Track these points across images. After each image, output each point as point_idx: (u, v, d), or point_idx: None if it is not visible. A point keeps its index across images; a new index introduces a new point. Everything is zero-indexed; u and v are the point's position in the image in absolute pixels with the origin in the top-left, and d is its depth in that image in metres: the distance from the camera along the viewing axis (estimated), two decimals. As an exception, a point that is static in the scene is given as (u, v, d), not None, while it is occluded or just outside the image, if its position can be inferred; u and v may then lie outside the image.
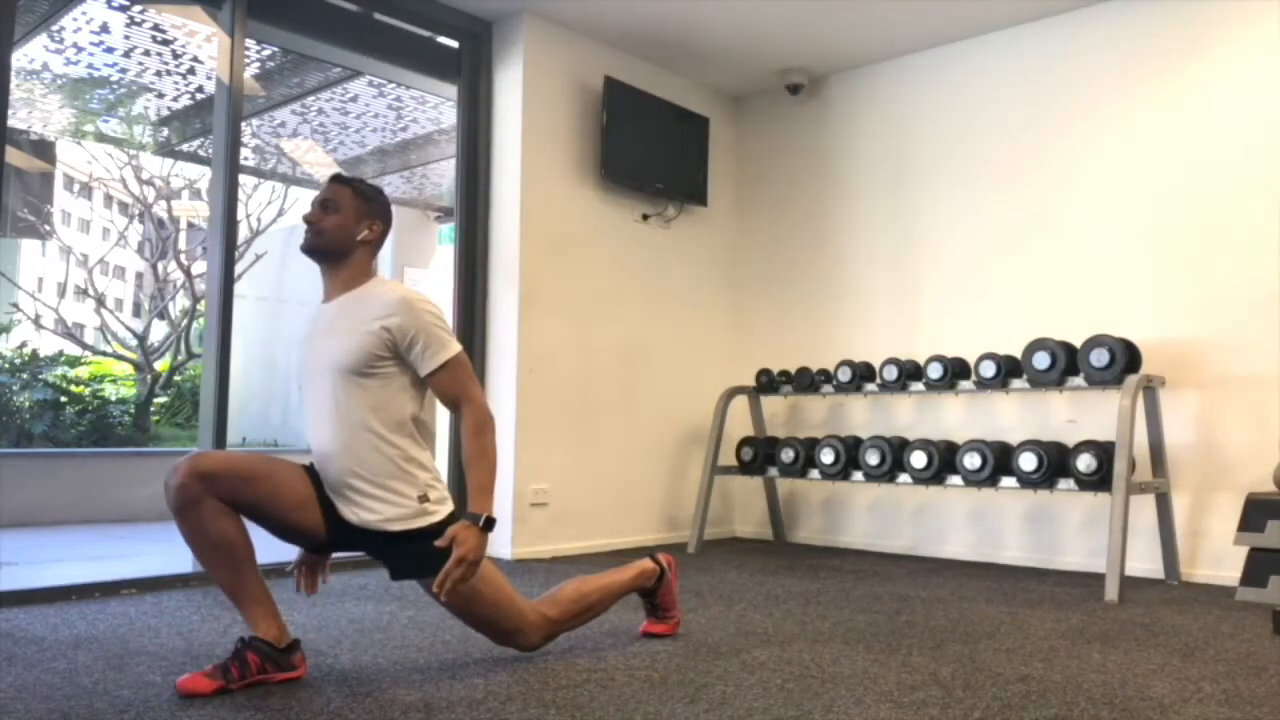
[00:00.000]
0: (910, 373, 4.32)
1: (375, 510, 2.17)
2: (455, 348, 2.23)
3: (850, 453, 4.29)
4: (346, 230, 2.28)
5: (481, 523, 2.13)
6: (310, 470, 2.24)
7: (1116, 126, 4.14)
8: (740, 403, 4.94)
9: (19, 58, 4.70)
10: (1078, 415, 4.11)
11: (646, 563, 2.64)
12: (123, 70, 5.04)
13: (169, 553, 4.22)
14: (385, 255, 7.15)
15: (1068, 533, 4.14)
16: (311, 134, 6.05)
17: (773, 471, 4.61)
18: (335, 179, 2.35)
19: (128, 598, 3.15)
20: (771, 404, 5.07)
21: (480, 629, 2.32)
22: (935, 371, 4.20)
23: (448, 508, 2.25)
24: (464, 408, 2.22)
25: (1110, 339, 3.71)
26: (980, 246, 4.49)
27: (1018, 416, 4.29)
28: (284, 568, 2.49)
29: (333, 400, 2.19)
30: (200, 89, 5.23)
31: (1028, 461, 3.75)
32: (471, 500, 2.16)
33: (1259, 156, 3.76)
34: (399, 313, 2.17)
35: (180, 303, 9.74)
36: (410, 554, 2.19)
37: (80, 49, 4.73)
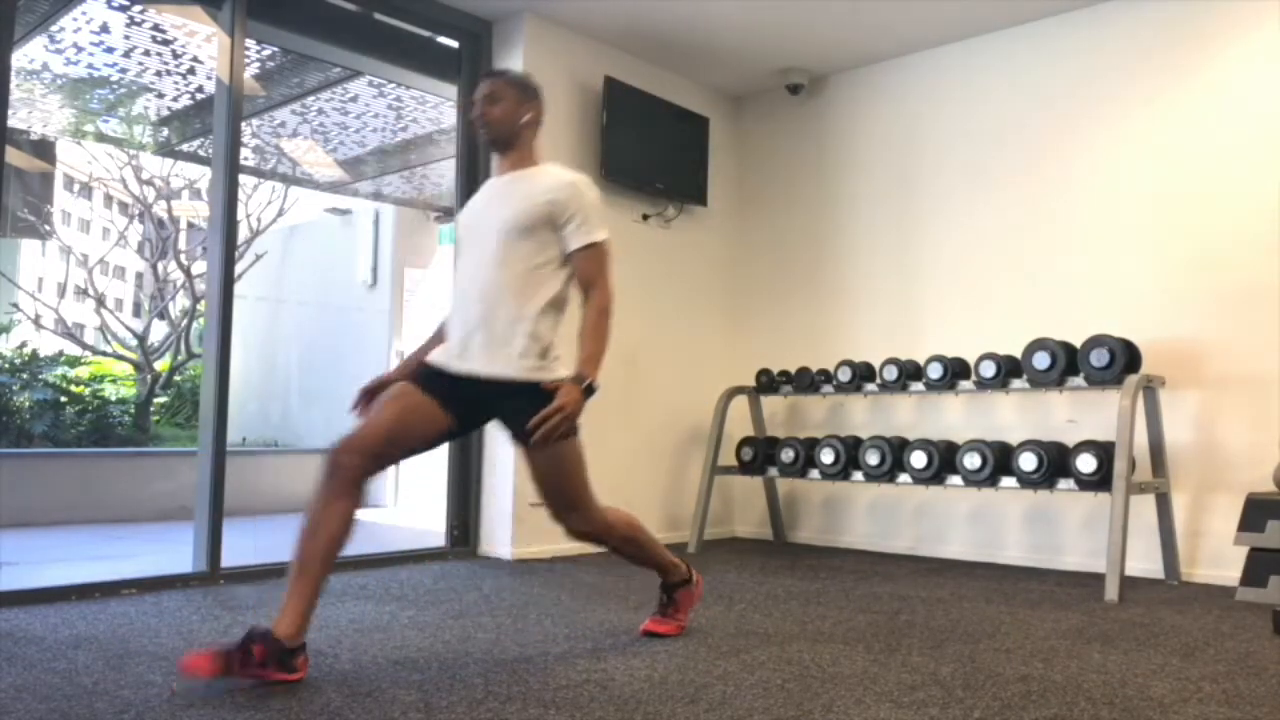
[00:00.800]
0: (910, 373, 4.31)
1: (499, 361, 2.37)
2: (603, 234, 2.47)
3: (850, 453, 4.29)
4: (511, 116, 2.57)
5: (585, 385, 2.35)
6: (421, 377, 2.42)
7: (1116, 126, 4.14)
8: (740, 403, 4.93)
9: (19, 58, 4.70)
10: (1078, 415, 4.11)
11: (680, 568, 2.75)
12: (123, 70, 5.04)
13: (169, 553, 4.22)
14: (385, 255, 7.15)
15: (1068, 533, 4.14)
16: (311, 134, 6.04)
17: (773, 471, 4.61)
18: (489, 74, 2.66)
19: (128, 598, 3.15)
20: (771, 404, 5.07)
21: (548, 496, 2.46)
22: (935, 371, 4.20)
23: (563, 372, 2.41)
24: (595, 289, 2.46)
25: (1110, 339, 3.71)
26: (980, 246, 4.49)
27: (1018, 416, 4.29)
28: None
29: (492, 259, 2.43)
30: (200, 89, 5.23)
31: (1028, 461, 3.75)
32: (579, 365, 2.39)
33: (1259, 156, 3.76)
34: (564, 190, 2.45)
35: (180, 303, 9.74)
36: (523, 406, 2.33)
37: (80, 49, 4.73)
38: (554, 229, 2.45)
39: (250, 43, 4.31)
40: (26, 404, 7.16)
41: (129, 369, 8.99)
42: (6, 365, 7.66)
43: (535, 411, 2.30)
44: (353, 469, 2.25)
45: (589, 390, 2.36)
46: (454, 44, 4.50)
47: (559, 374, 2.40)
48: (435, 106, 5.41)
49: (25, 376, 7.39)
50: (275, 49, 4.66)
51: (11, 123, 3.75)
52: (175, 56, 4.81)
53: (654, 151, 4.80)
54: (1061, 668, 2.37)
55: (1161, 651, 2.57)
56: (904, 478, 4.14)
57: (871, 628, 2.83)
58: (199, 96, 5.34)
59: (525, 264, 2.42)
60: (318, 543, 2.24)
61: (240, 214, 7.33)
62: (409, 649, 2.48)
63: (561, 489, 2.46)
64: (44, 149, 7.27)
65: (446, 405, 2.38)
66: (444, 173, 6.48)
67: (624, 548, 2.63)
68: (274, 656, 2.11)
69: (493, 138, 2.59)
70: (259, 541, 4.80)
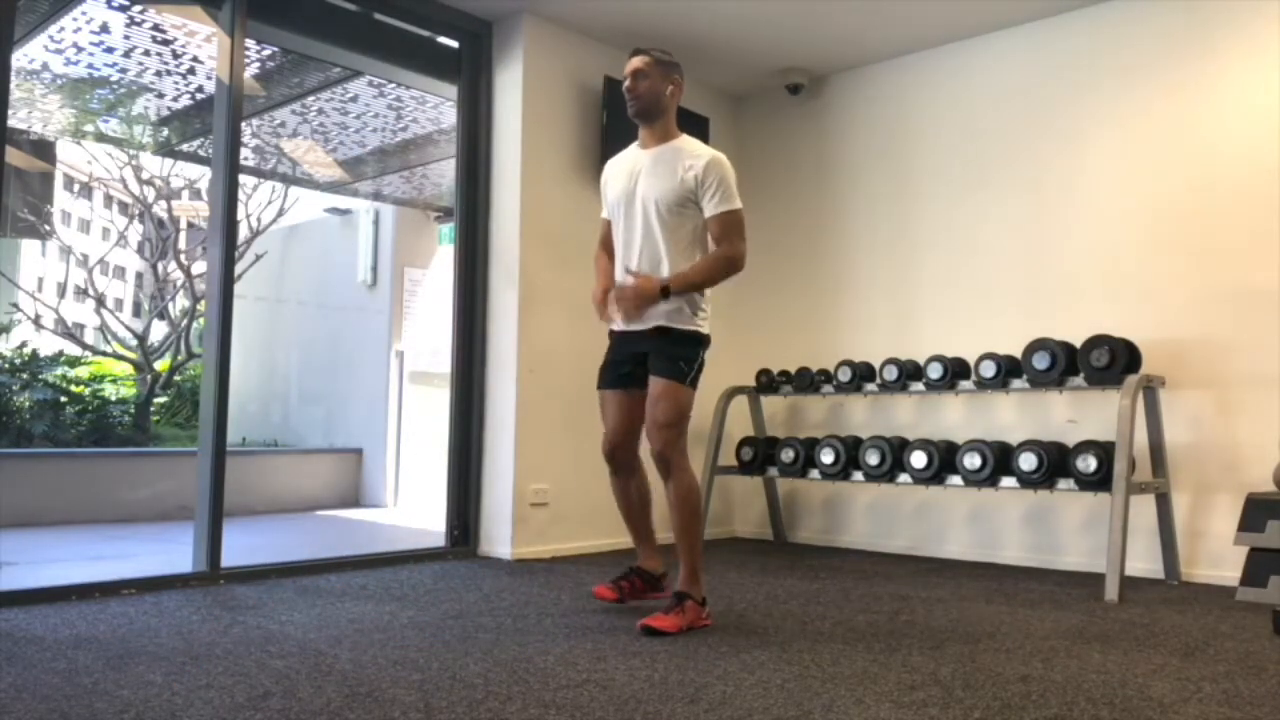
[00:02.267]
0: (910, 373, 4.32)
1: (659, 315, 2.83)
2: (736, 204, 2.83)
3: (850, 453, 4.29)
4: (656, 91, 2.88)
5: (663, 284, 2.77)
6: (609, 381, 3.01)
7: (1117, 126, 4.14)
8: (740, 403, 4.93)
9: (19, 58, 4.70)
10: (1078, 415, 4.11)
11: (699, 589, 2.85)
12: (123, 70, 5.04)
13: (169, 553, 4.22)
14: (385, 255, 7.15)
15: (1068, 533, 4.14)
16: (311, 134, 6.04)
17: (773, 471, 4.61)
18: (637, 52, 2.93)
19: (128, 598, 3.15)
20: (771, 404, 5.07)
21: (653, 414, 2.83)
22: (935, 371, 4.20)
23: (707, 327, 2.90)
24: (725, 244, 2.83)
25: (1110, 339, 3.71)
26: (980, 246, 4.49)
27: (1018, 416, 4.29)
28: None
29: (646, 226, 2.86)
30: (200, 89, 5.23)
31: (1028, 461, 3.75)
32: (672, 276, 2.79)
33: (1259, 156, 3.76)
34: (704, 163, 2.81)
35: (180, 303, 9.73)
36: (669, 346, 2.83)
37: (80, 49, 4.72)
38: (696, 199, 2.82)
39: (250, 43, 4.30)
40: (26, 404, 7.16)
41: (129, 369, 8.98)
42: (6, 365, 7.65)
43: (679, 348, 2.84)
44: (620, 460, 3.03)
45: (665, 290, 2.76)
46: (454, 44, 4.50)
47: (705, 328, 2.89)
48: (435, 106, 5.40)
49: (25, 376, 7.38)
50: (275, 49, 4.65)
51: (11, 123, 3.75)
52: (175, 56, 4.80)
53: (654, 151, 4.79)
54: (1061, 668, 2.37)
55: (1161, 651, 2.57)
56: (904, 478, 4.14)
57: (871, 628, 2.83)
58: (199, 96, 5.33)
59: (677, 231, 2.83)
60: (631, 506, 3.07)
61: (240, 214, 7.32)
62: (409, 649, 2.48)
63: (667, 409, 2.82)
64: (44, 149, 7.26)
65: (628, 383, 2.95)
66: (444, 173, 6.48)
67: (692, 508, 2.85)
68: (648, 583, 3.04)
69: (639, 110, 2.89)
70: (259, 541, 4.80)
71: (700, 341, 2.89)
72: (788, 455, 4.47)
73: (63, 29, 4.47)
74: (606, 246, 3.08)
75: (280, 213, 8.42)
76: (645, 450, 2.96)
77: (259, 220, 8.42)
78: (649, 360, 2.87)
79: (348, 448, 7.04)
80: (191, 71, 4.99)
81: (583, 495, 4.47)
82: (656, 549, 3.11)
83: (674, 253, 2.83)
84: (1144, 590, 3.57)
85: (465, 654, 2.43)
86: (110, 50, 4.76)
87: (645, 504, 3.08)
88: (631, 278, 2.84)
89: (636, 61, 2.90)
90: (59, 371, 7.67)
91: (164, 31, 4.53)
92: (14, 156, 6.74)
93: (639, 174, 2.91)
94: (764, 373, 4.85)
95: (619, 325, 2.95)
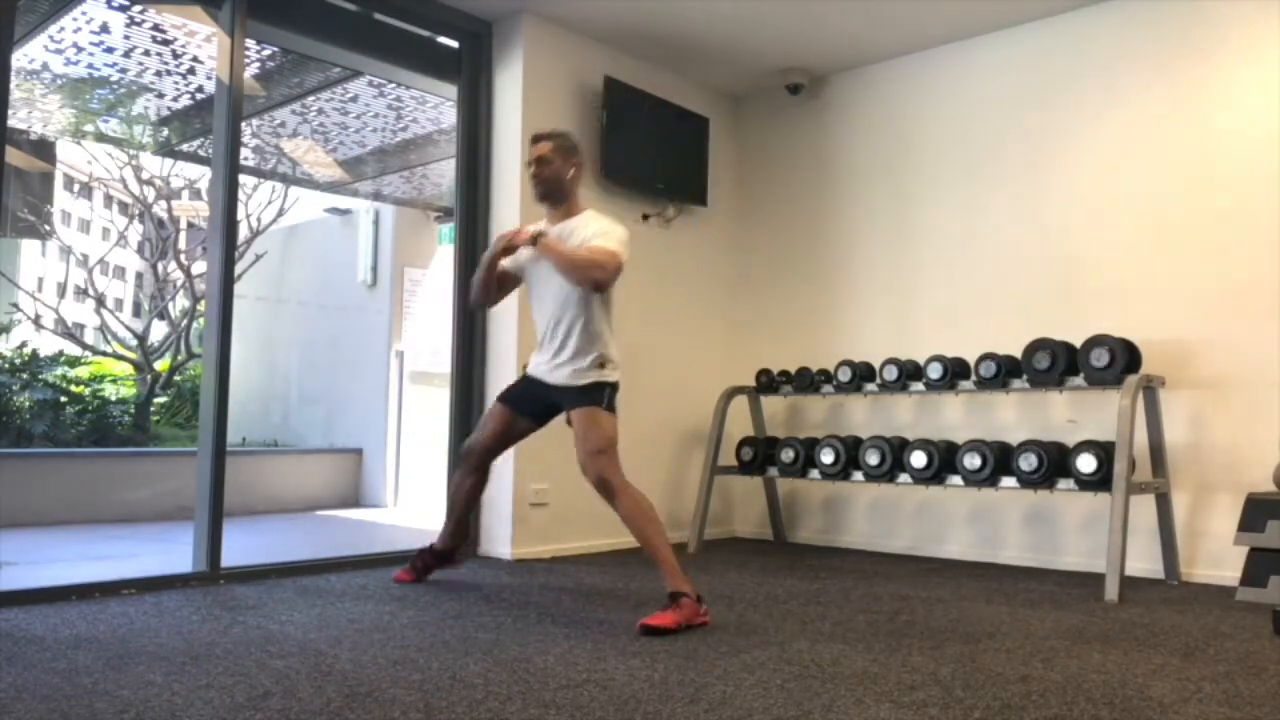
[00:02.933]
0: (910, 373, 4.31)
1: (567, 375, 3.07)
2: (616, 248, 2.97)
3: (850, 453, 4.29)
4: (560, 175, 3.11)
5: (536, 234, 3.02)
6: (509, 400, 3.30)
7: (1117, 126, 4.14)
8: (740, 403, 4.93)
9: (19, 58, 4.70)
10: (1078, 415, 4.11)
11: (689, 585, 2.86)
12: (123, 70, 5.03)
13: (169, 553, 4.22)
14: (385, 255, 7.15)
15: (1068, 533, 4.14)
16: (311, 134, 6.04)
17: (773, 471, 4.61)
18: (539, 138, 3.14)
19: (128, 598, 3.15)
20: (771, 404, 5.07)
21: (584, 446, 2.99)
22: (935, 371, 4.20)
23: (615, 376, 3.09)
24: (600, 253, 2.97)
25: (1110, 339, 3.71)
26: (980, 246, 4.49)
27: (1018, 416, 4.29)
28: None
29: (556, 295, 3.07)
30: (200, 89, 5.22)
31: (1028, 461, 3.75)
32: (547, 235, 3.03)
33: (1259, 156, 3.76)
34: (596, 227, 3.03)
35: (180, 303, 9.73)
36: (575, 396, 3.06)
37: (80, 49, 4.72)
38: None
39: (250, 43, 4.30)
40: (26, 404, 7.16)
41: (129, 369, 8.98)
42: (6, 365, 7.65)
43: (583, 397, 3.03)
44: (477, 463, 3.38)
45: (535, 239, 3.01)
46: (454, 44, 4.50)
47: (611, 378, 3.08)
48: (435, 106, 5.40)
49: (25, 376, 7.38)
50: (275, 49, 4.65)
51: (11, 123, 3.75)
52: (175, 56, 4.80)
53: (654, 151, 4.80)
54: (1061, 668, 2.37)
55: (1161, 651, 2.57)
56: (904, 478, 4.14)
57: (871, 628, 2.83)
58: (199, 96, 5.33)
59: (586, 297, 3.03)
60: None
61: (240, 214, 7.32)
62: (409, 649, 2.48)
63: (594, 435, 2.99)
64: (44, 149, 7.25)
65: (521, 409, 3.27)
66: (444, 173, 6.47)
67: (641, 520, 2.94)
68: (437, 558, 3.56)
69: (544, 193, 3.14)
70: (259, 541, 4.80)
71: (607, 388, 3.08)
72: (788, 455, 4.47)
73: (63, 29, 4.47)
74: (503, 279, 3.29)
75: (280, 213, 8.41)
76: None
77: (259, 220, 8.41)
78: (562, 405, 3.12)
79: (348, 448, 7.04)
80: (191, 71, 4.99)
81: (583, 495, 4.44)
82: (462, 532, 3.52)
83: (586, 316, 3.05)
84: (1144, 590, 3.57)
85: (465, 654, 2.43)
86: (110, 50, 4.76)
87: (471, 502, 3.45)
88: (531, 241, 3.06)
89: (541, 148, 3.12)
90: (59, 371, 7.67)
91: (164, 31, 4.53)
92: (14, 156, 6.73)
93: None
94: (764, 373, 4.85)
95: (534, 370, 3.20)
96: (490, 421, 3.33)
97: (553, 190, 3.13)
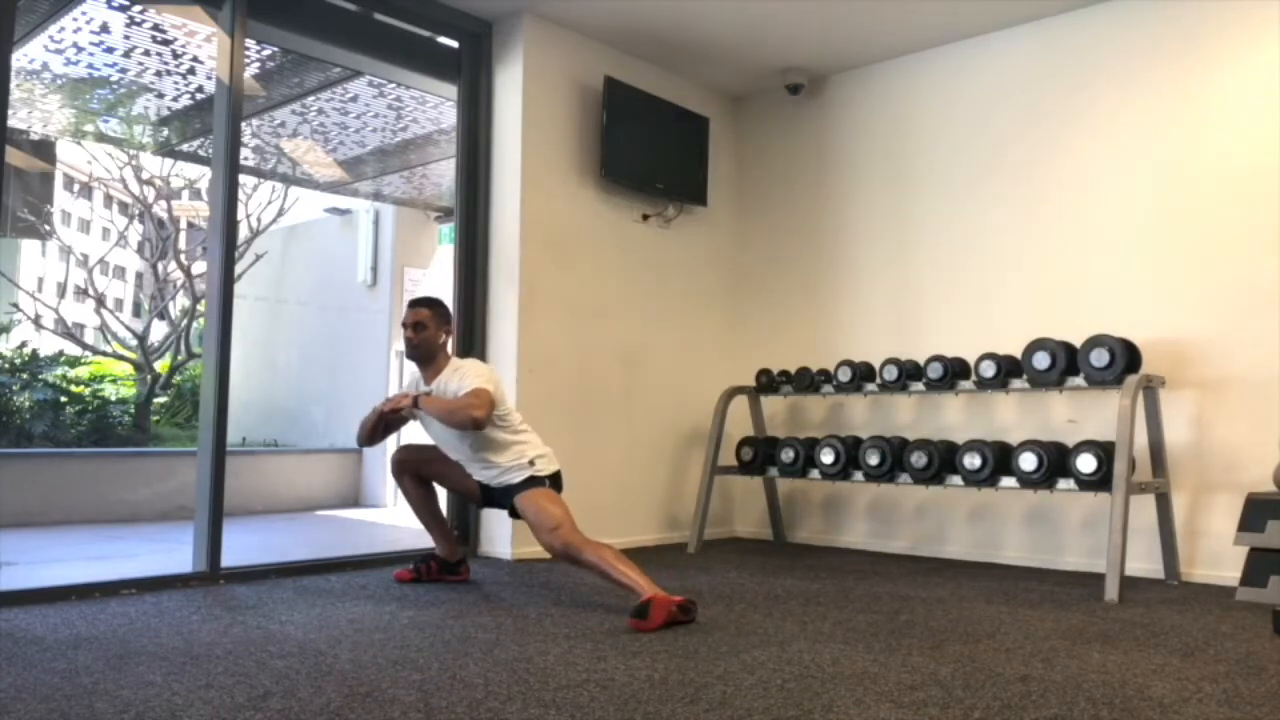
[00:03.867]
0: (910, 373, 4.31)
1: (496, 475, 3.34)
2: (482, 384, 3.22)
3: (850, 453, 4.29)
4: (433, 339, 3.42)
5: (415, 399, 3.30)
6: None
7: (1116, 126, 4.14)
8: (740, 403, 4.93)
9: (19, 58, 4.70)
10: (1078, 415, 4.11)
11: (651, 586, 2.90)
12: (123, 70, 5.03)
13: (169, 553, 4.22)
14: (385, 255, 7.15)
15: (1068, 533, 4.14)
16: (311, 134, 6.04)
17: (773, 471, 4.61)
18: (416, 304, 3.44)
19: (128, 598, 3.15)
20: (771, 404, 5.07)
21: (538, 527, 3.17)
22: (935, 371, 4.19)
23: (547, 469, 3.32)
24: (469, 398, 3.22)
25: (1110, 339, 3.71)
26: (980, 246, 4.49)
27: (1018, 416, 4.29)
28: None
29: (448, 440, 3.38)
30: (200, 89, 5.22)
31: (1028, 461, 3.75)
32: (427, 396, 3.32)
33: (1259, 156, 3.76)
34: (462, 371, 3.34)
35: (180, 303, 9.72)
36: (510, 492, 3.29)
37: (80, 49, 4.72)
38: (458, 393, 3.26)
39: (250, 43, 4.30)
40: (26, 404, 7.16)
41: (129, 369, 8.98)
42: (6, 365, 7.65)
43: (515, 493, 3.28)
44: (407, 475, 3.58)
45: (417, 402, 3.28)
46: (454, 44, 4.50)
47: (535, 471, 3.29)
48: (435, 106, 5.40)
49: (25, 376, 7.38)
50: (275, 49, 4.65)
51: (11, 123, 3.75)
52: (175, 56, 4.80)
53: (654, 151, 4.80)
54: (1061, 668, 2.37)
55: (1161, 651, 2.57)
56: (904, 478, 4.14)
57: (871, 628, 2.83)
58: (199, 96, 5.33)
59: (473, 436, 3.27)
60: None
61: (240, 214, 7.32)
62: (409, 649, 2.48)
63: (541, 516, 3.18)
64: (44, 149, 7.25)
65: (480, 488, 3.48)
66: (444, 173, 6.48)
67: (601, 570, 3.07)
68: (445, 569, 3.62)
69: (419, 356, 3.41)
70: (259, 541, 4.80)
71: (544, 479, 3.30)
72: (788, 455, 4.47)
73: (63, 29, 4.47)
74: (388, 425, 3.55)
75: (280, 213, 8.41)
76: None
77: (259, 220, 8.41)
78: (503, 502, 3.36)
79: (348, 448, 7.04)
80: (191, 71, 4.99)
81: (582, 495, 4.45)
82: (448, 535, 3.63)
83: (479, 450, 3.30)
84: (1144, 590, 3.57)
85: (465, 654, 2.43)
86: (110, 50, 4.76)
87: (431, 494, 3.58)
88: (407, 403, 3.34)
89: (420, 313, 3.40)
90: (59, 371, 7.67)
91: (164, 31, 4.53)
92: (14, 156, 6.73)
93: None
94: (764, 373, 4.85)
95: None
96: (435, 449, 3.50)
97: (426, 354, 3.40)
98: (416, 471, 3.53)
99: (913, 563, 4.30)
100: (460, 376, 3.31)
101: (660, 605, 2.78)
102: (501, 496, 3.35)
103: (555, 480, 3.34)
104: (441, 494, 3.74)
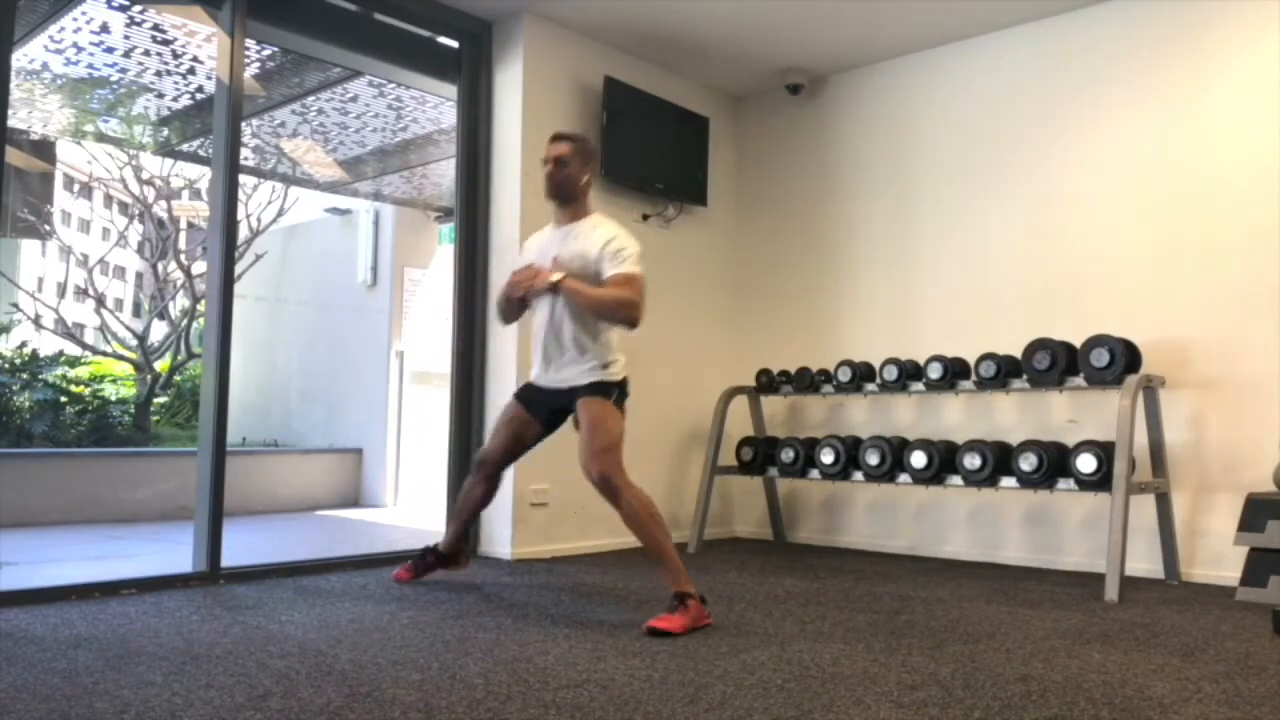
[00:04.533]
0: (910, 373, 4.31)
1: (573, 376, 3.08)
2: (634, 270, 2.98)
3: (850, 453, 4.29)
4: (576, 178, 3.12)
5: (556, 280, 2.99)
6: (523, 399, 3.27)
7: (1117, 126, 4.14)
8: (740, 403, 4.93)
9: (19, 58, 4.70)
10: (1078, 415, 4.11)
11: (693, 586, 2.86)
12: (123, 70, 5.03)
13: (169, 553, 4.22)
14: (385, 255, 7.15)
15: (1068, 533, 4.14)
16: (311, 134, 6.04)
17: (773, 471, 4.61)
18: (559, 138, 3.15)
19: (128, 598, 3.15)
20: (771, 404, 5.07)
21: (590, 443, 2.96)
22: (935, 371, 4.19)
23: (620, 374, 3.11)
24: (626, 290, 2.98)
25: (1110, 339, 3.71)
26: (980, 246, 4.49)
27: (1018, 416, 4.29)
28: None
29: (558, 309, 3.07)
30: (200, 89, 5.22)
31: (1028, 461, 3.75)
32: (570, 279, 3.00)
33: (1260, 156, 3.76)
34: (607, 236, 3.02)
35: (180, 303, 9.72)
36: (587, 390, 3.05)
37: (80, 49, 4.72)
38: (599, 271, 3.00)
39: (250, 43, 4.30)
40: (26, 404, 7.16)
41: (129, 369, 8.98)
42: (6, 365, 7.65)
43: (592, 390, 3.03)
44: (489, 471, 3.37)
45: (556, 286, 3.00)
46: (454, 44, 4.49)
47: (617, 376, 3.09)
48: (435, 106, 5.40)
49: (25, 376, 7.38)
50: (275, 49, 4.65)
51: (11, 123, 3.75)
52: (175, 56, 4.80)
53: (654, 151, 4.80)
54: (1061, 668, 2.37)
55: (1161, 651, 2.57)
56: (904, 478, 4.14)
57: (871, 628, 2.83)
58: (199, 96, 5.33)
59: (579, 323, 3.05)
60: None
61: (240, 214, 7.32)
62: (409, 649, 2.48)
63: (598, 434, 2.97)
64: (44, 149, 7.25)
65: (535, 410, 3.23)
66: (444, 173, 6.47)
67: (648, 526, 2.90)
68: (440, 559, 3.54)
69: (558, 194, 3.13)
70: (259, 541, 4.80)
71: (615, 385, 3.10)
72: (788, 455, 4.47)
73: (63, 29, 4.47)
74: (522, 302, 3.28)
75: (280, 213, 8.41)
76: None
77: (259, 220, 8.41)
78: (569, 406, 3.11)
79: (348, 448, 7.04)
80: (191, 71, 4.99)
81: (583, 495, 4.45)
82: (461, 540, 3.54)
83: (583, 322, 3.06)
84: (1144, 590, 3.57)
85: (465, 654, 2.43)
86: (110, 50, 4.76)
87: (478, 509, 3.46)
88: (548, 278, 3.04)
89: (561, 148, 3.12)
90: (59, 371, 7.67)
91: (164, 31, 4.53)
92: (14, 156, 6.73)
93: (551, 249, 3.14)
94: (764, 373, 4.85)
95: (538, 380, 3.20)
96: (504, 427, 3.30)
97: (566, 193, 3.13)
98: (496, 472, 3.35)
99: (913, 563, 4.30)
100: (604, 240, 3.01)
101: (696, 610, 2.76)
102: (564, 400, 3.11)
103: (623, 390, 3.12)
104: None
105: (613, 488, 2.91)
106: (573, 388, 3.08)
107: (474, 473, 3.39)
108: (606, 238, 3.02)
